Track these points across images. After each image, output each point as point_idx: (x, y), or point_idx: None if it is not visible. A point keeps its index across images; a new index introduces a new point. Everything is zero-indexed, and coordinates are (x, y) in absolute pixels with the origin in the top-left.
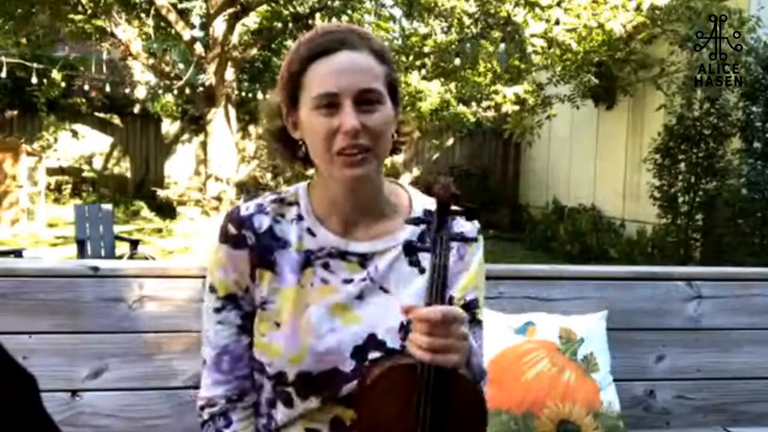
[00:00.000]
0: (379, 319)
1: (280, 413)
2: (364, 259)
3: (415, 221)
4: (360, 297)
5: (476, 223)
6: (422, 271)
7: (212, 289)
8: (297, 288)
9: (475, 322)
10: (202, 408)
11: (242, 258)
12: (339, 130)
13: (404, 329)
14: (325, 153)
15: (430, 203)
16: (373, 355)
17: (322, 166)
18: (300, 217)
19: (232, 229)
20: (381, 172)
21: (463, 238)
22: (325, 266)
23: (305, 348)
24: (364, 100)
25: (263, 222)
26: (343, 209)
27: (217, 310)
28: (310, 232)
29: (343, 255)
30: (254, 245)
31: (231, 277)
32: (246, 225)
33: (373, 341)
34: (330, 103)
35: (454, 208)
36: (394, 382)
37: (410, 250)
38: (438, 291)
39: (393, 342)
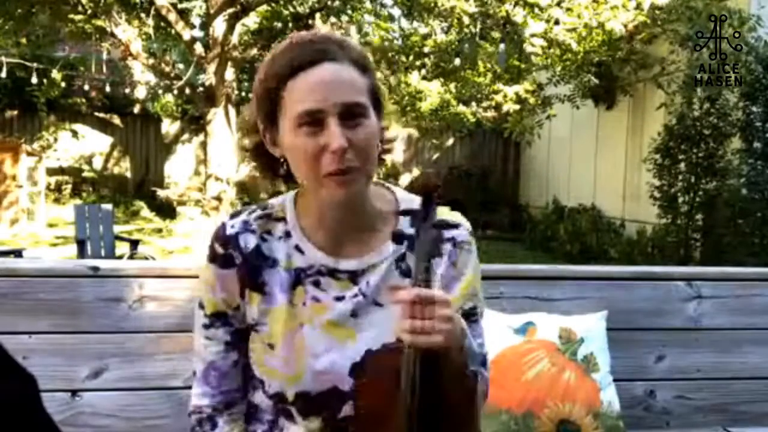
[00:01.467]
0: (376, 335)
1: (287, 428)
2: (354, 276)
3: (399, 237)
4: (354, 314)
5: (468, 226)
6: (395, 240)
7: (201, 306)
8: (288, 308)
9: (475, 323)
10: (190, 414)
11: (231, 277)
12: (325, 149)
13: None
14: (312, 173)
15: (417, 202)
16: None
17: (309, 187)
18: (288, 234)
19: (219, 249)
20: (369, 184)
21: (447, 225)
22: (316, 284)
23: (302, 368)
24: (349, 115)
25: (249, 241)
26: (330, 226)
27: (206, 327)
28: (298, 249)
29: (332, 273)
30: (242, 265)
31: (219, 296)
32: (232, 244)
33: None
34: (314, 121)
35: (436, 195)
36: (384, 366)
37: (398, 238)
38: (422, 269)
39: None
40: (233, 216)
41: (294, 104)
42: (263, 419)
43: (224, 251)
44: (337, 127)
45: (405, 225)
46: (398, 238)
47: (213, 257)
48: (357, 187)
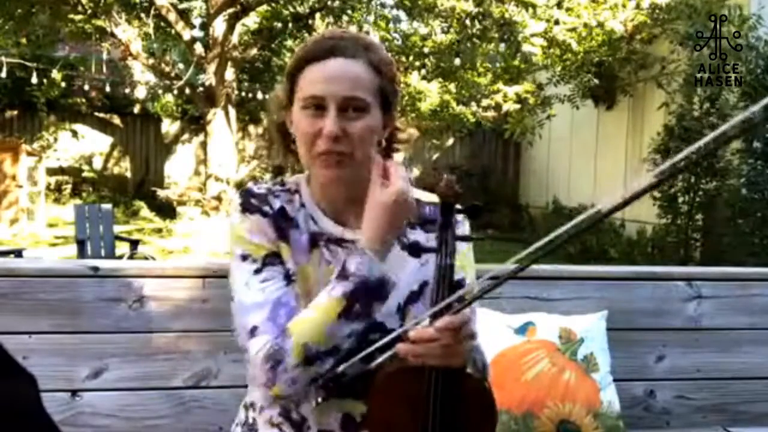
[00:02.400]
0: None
1: (303, 404)
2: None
3: (422, 222)
4: None
5: (466, 220)
6: (413, 253)
7: (245, 258)
8: (308, 267)
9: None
10: (267, 356)
11: (269, 225)
12: (321, 133)
13: (401, 311)
14: (307, 152)
15: (419, 193)
16: (372, 336)
17: (305, 163)
18: (302, 205)
19: (254, 201)
20: (366, 169)
21: (467, 239)
22: (328, 249)
23: None
24: (349, 107)
25: (275, 203)
26: (332, 200)
27: (258, 271)
28: (312, 218)
29: (338, 241)
30: (273, 216)
31: (266, 238)
32: (264, 200)
33: (371, 323)
34: (317, 106)
35: (458, 206)
36: (404, 384)
37: (416, 250)
38: (444, 291)
39: (391, 324)
40: (254, 185)
41: (304, 87)
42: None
43: (258, 203)
44: (334, 115)
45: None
46: (414, 251)
47: (250, 209)
48: (343, 172)
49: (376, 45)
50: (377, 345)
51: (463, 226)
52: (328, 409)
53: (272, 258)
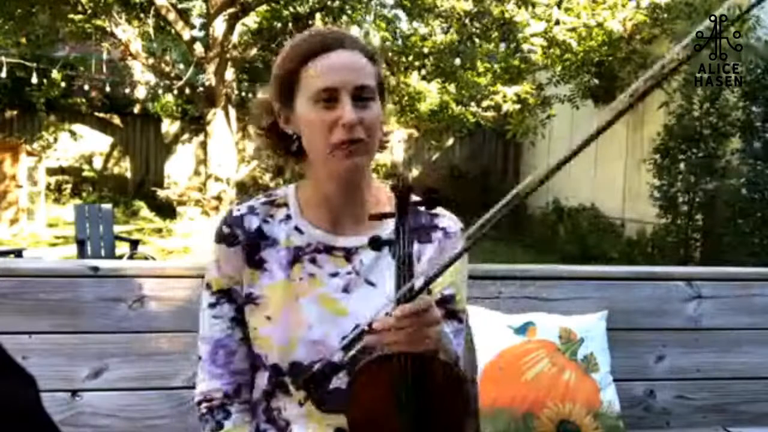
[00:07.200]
0: (366, 312)
1: (287, 409)
2: (349, 254)
3: (380, 216)
4: (346, 290)
5: (459, 223)
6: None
7: (207, 286)
8: (286, 282)
9: (455, 318)
10: (199, 403)
11: (236, 255)
12: (337, 123)
13: None
14: (323, 144)
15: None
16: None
17: (319, 158)
18: (288, 217)
19: (225, 229)
20: (370, 167)
21: (423, 227)
22: (313, 261)
23: (296, 338)
24: (360, 96)
25: (253, 222)
26: (333, 203)
27: (212, 305)
28: (297, 230)
29: (329, 250)
30: (244, 242)
31: (225, 273)
32: (237, 225)
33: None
34: (330, 98)
35: (414, 198)
36: (375, 376)
37: (376, 244)
38: (405, 281)
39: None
40: (241, 202)
41: (313, 82)
42: (260, 391)
43: (229, 231)
44: (350, 104)
45: (388, 228)
46: (376, 244)
47: (220, 237)
48: (361, 160)
49: (358, 37)
50: (343, 344)
51: (452, 228)
52: (319, 422)
53: (223, 296)
